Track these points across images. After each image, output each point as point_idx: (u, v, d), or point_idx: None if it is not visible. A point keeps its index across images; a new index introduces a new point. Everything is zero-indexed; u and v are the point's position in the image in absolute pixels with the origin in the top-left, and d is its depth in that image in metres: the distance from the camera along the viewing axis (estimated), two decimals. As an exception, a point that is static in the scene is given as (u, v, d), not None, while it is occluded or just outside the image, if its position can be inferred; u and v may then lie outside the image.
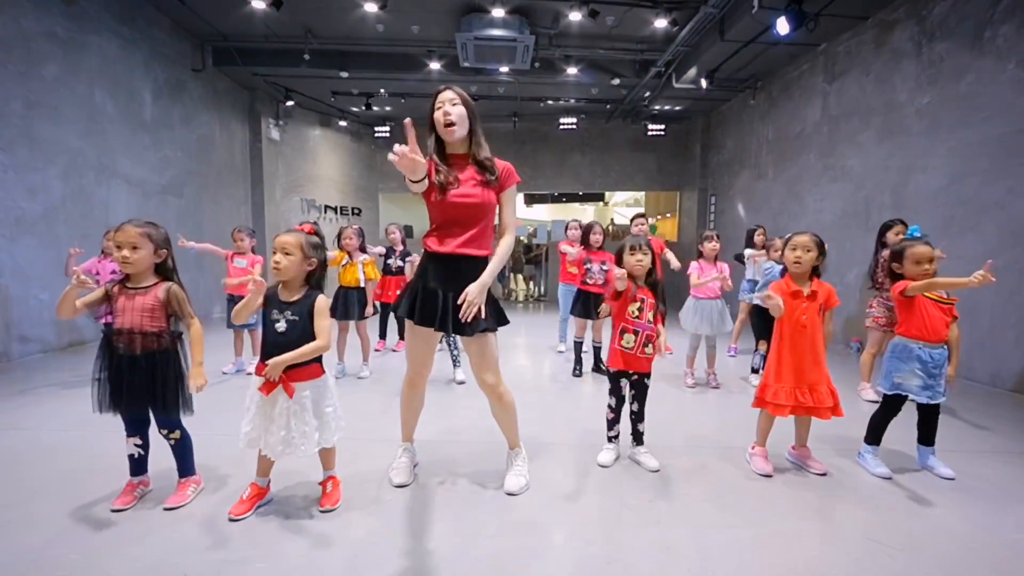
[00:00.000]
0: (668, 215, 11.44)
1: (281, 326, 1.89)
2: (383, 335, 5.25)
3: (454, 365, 4.11)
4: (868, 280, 3.83)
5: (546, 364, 4.87)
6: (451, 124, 1.99)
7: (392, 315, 5.10)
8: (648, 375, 2.49)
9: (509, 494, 2.19)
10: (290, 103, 8.67)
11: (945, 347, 2.39)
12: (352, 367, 4.26)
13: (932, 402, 2.39)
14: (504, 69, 7.36)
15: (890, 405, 2.48)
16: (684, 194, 10.30)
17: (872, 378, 3.61)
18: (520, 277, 11.75)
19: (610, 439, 2.58)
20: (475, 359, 2.15)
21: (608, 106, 9.25)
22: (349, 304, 4.05)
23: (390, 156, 1.74)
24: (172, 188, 6.63)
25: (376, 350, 5.00)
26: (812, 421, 2.48)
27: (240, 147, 8.38)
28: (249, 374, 3.86)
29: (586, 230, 4.31)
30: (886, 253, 3.34)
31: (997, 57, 4.03)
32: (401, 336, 5.21)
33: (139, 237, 1.90)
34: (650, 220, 12.54)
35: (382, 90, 8.57)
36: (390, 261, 5.03)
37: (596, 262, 4.21)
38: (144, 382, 1.90)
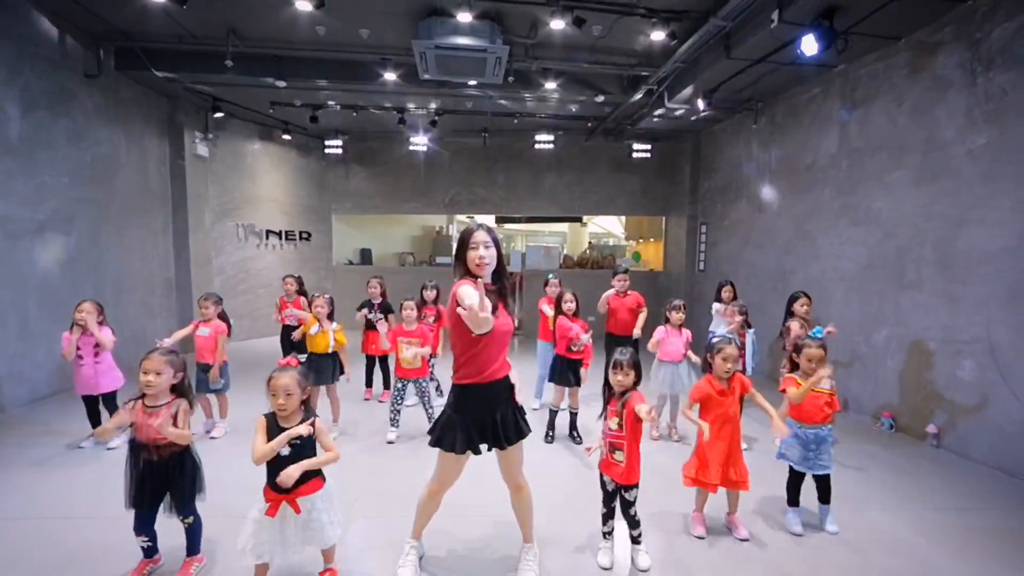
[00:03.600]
0: (652, 239, 10.60)
1: (286, 450, 2.13)
2: (369, 384, 5.43)
3: (429, 419, 4.19)
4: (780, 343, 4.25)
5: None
6: (483, 266, 2.23)
7: (377, 365, 5.41)
8: (626, 488, 2.50)
9: None
10: (219, 115, 7.35)
11: (823, 428, 2.84)
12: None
13: (814, 472, 2.85)
14: (472, 83, 6.31)
15: (791, 473, 2.94)
16: (671, 220, 9.47)
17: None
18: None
19: (604, 535, 2.63)
20: (511, 463, 2.38)
21: (589, 123, 8.31)
22: (322, 370, 4.18)
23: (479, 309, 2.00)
24: (54, 224, 5.27)
25: (365, 399, 5.31)
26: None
27: (156, 166, 7.01)
28: (212, 438, 4.15)
29: (558, 299, 4.28)
30: (793, 323, 4.08)
31: (1086, 94, 3.24)
32: (386, 386, 5.40)
33: (163, 365, 2.26)
34: (631, 243, 11.70)
35: (331, 102, 7.37)
36: (371, 316, 5.15)
37: (574, 328, 4.09)
38: (161, 484, 2.26)
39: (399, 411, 4.24)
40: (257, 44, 5.77)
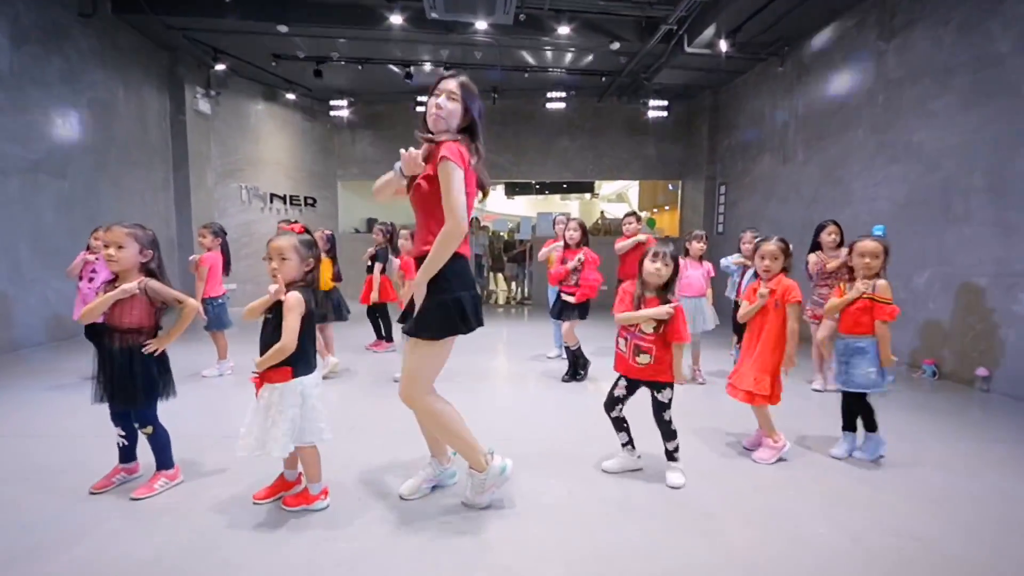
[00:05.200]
0: (667, 208, 10.26)
1: (262, 323, 1.95)
2: (378, 335, 5.18)
3: None
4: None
5: (532, 374, 4.35)
6: (438, 116, 1.86)
7: (377, 315, 5.12)
8: (657, 387, 2.26)
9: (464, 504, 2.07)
10: (220, 67, 7.12)
11: (861, 338, 2.48)
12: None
13: (846, 388, 2.55)
14: (482, 25, 6.01)
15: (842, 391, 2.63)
16: (688, 184, 9.11)
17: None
18: (501, 277, 10.43)
19: (622, 445, 2.41)
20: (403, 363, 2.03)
21: (603, 79, 7.97)
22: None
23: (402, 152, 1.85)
24: (48, 165, 5.07)
25: (367, 347, 5.14)
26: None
27: (156, 119, 6.80)
28: (204, 376, 3.94)
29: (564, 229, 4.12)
30: (811, 256, 3.73)
31: None
32: (388, 338, 5.18)
33: (125, 237, 2.00)
34: (645, 214, 11.36)
35: (334, 54, 7.10)
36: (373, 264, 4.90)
37: (572, 259, 3.94)
38: (122, 375, 2.00)
39: None
40: (257, -18, 5.52)
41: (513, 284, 10.06)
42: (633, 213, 4.71)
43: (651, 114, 8.35)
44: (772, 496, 2.18)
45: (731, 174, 7.79)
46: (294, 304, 1.88)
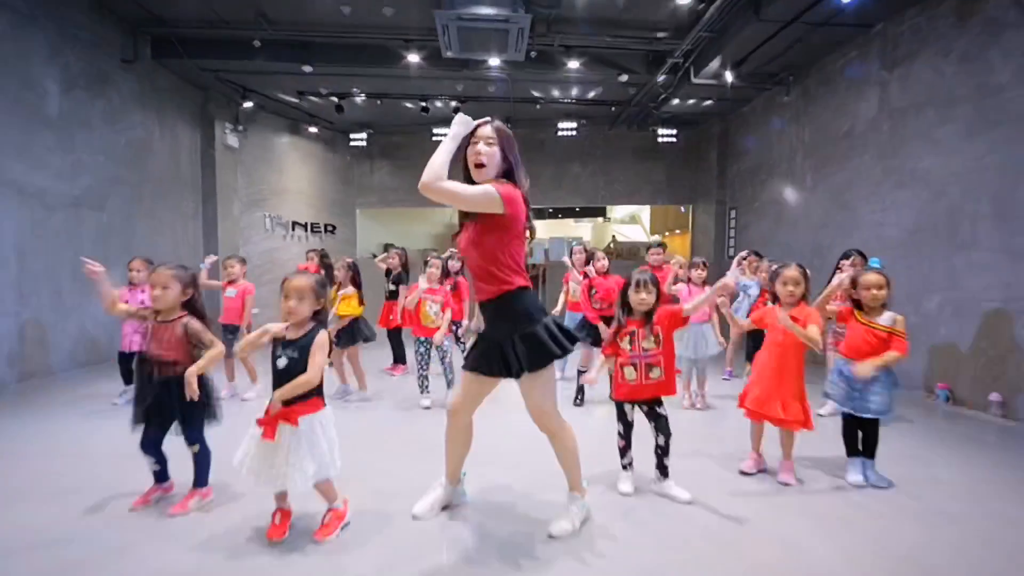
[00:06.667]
0: (678, 231, 10.36)
1: (282, 362, 1.99)
2: (397, 359, 5.36)
3: (448, 386, 4.14)
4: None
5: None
6: (481, 165, 2.02)
7: (398, 338, 5.34)
8: (659, 402, 2.47)
9: (550, 536, 2.08)
10: (248, 104, 7.53)
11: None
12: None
13: (859, 414, 2.59)
14: (495, 61, 6.31)
15: (843, 418, 2.70)
16: (698, 208, 9.23)
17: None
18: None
19: (624, 467, 2.58)
20: (526, 399, 2.10)
21: (613, 108, 8.21)
22: (341, 334, 4.17)
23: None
24: (89, 200, 5.41)
25: (384, 370, 5.28)
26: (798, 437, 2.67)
27: (188, 154, 7.19)
28: (244, 400, 4.06)
29: (589, 258, 4.28)
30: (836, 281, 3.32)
31: None
32: (402, 360, 5.40)
33: (170, 279, 2.20)
34: (657, 238, 11.47)
35: (354, 88, 7.46)
36: (389, 286, 5.19)
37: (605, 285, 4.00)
38: (166, 403, 2.17)
39: (427, 376, 4.04)
40: (285, 29, 5.89)
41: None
42: (661, 244, 5.00)
43: (660, 141, 8.54)
44: (783, 519, 2.24)
45: (741, 199, 7.89)
46: (325, 342, 2.00)
